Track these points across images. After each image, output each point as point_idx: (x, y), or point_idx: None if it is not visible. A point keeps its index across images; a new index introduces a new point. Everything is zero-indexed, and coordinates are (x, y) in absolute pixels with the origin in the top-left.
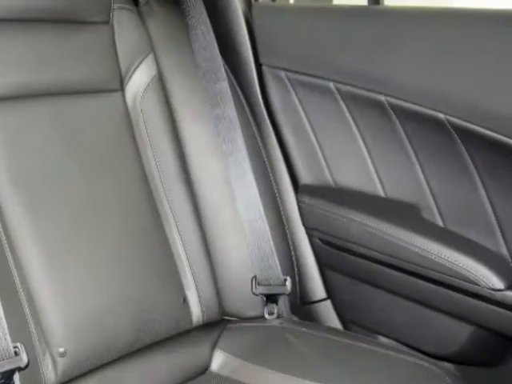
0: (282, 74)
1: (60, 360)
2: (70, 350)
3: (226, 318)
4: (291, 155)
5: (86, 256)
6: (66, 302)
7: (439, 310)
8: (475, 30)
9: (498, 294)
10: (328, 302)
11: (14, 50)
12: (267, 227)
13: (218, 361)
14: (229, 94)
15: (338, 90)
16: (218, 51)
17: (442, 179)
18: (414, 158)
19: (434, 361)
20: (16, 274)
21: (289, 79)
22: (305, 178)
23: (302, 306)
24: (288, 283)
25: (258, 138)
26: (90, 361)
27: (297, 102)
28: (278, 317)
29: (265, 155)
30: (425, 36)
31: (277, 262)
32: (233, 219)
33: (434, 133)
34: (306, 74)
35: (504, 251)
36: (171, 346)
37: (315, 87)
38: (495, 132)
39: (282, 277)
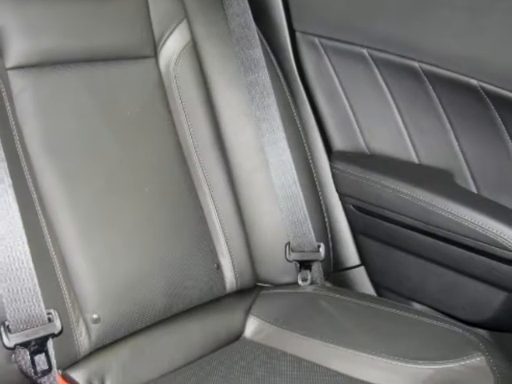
0: (316, 40)
1: (94, 326)
2: (104, 316)
3: (260, 284)
4: (324, 122)
5: (120, 222)
6: (100, 269)
7: (473, 277)
8: None
9: None
10: (361, 269)
11: (47, 16)
12: (301, 193)
13: (252, 327)
14: (262, 60)
15: (371, 56)
16: (251, 17)
17: (476, 145)
18: (447, 125)
19: (467, 327)
20: (50, 240)
21: (322, 45)
22: (338, 144)
23: (335, 272)
24: (321, 249)
25: (292, 105)
26: (123, 327)
27: (330, 68)
28: (312, 283)
29: (298, 121)
30: (459, 1)
31: (310, 228)
32: (266, 185)
33: (467, 99)
34: (339, 41)
35: None
36: (205, 313)
37: (349, 53)
38: None
39: (315, 243)
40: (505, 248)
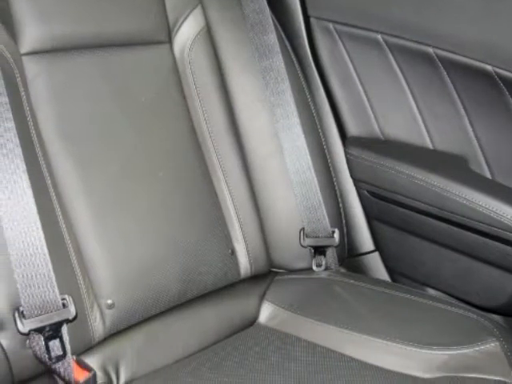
0: (330, 26)
1: (108, 312)
2: (118, 301)
3: (274, 269)
4: (339, 107)
5: (135, 208)
6: (114, 254)
7: (487, 262)
8: None
9: None
10: (376, 254)
11: (61, 2)
12: (315, 179)
13: (266, 313)
14: (277, 45)
15: (386, 41)
16: (265, 3)
17: (490, 131)
18: (462, 110)
19: (482, 313)
20: (64, 226)
21: (337, 31)
22: (353, 130)
23: (349, 258)
24: (336, 235)
25: (306, 90)
26: (137, 313)
27: (345, 54)
28: (326, 269)
29: (313, 107)
30: None
31: (325, 213)
32: (281, 171)
33: (482, 85)
34: (354, 26)
35: None
36: (219, 299)
37: (363, 39)
38: None
39: (329, 229)
40: None
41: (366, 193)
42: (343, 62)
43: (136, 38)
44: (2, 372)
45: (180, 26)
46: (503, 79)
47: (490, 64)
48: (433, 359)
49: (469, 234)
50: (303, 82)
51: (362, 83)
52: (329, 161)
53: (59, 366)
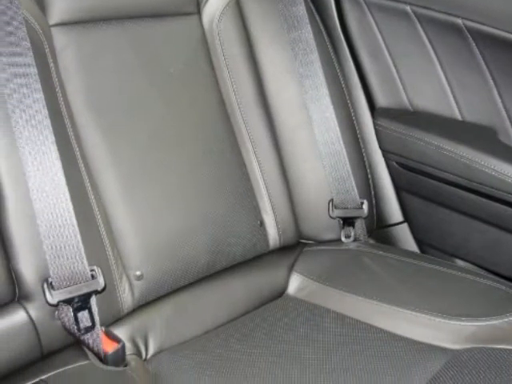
0: None
1: (137, 283)
2: (147, 273)
3: (303, 241)
4: (368, 78)
5: (163, 179)
6: (143, 226)
7: None
8: None
9: None
10: (405, 225)
11: None
12: (344, 150)
13: (295, 284)
14: (306, 17)
15: (414, 13)
16: None
17: None
18: (490, 81)
19: (511, 284)
20: (93, 197)
21: (366, 2)
22: (381, 101)
23: (378, 229)
24: (365, 206)
25: (335, 62)
26: (166, 284)
27: (374, 25)
28: (355, 240)
29: (341, 78)
30: None
31: (353, 184)
32: (309, 142)
33: (510, 55)
34: None
35: None
36: (248, 270)
37: (392, 10)
38: None
39: (358, 200)
40: None
41: (394, 164)
42: (372, 34)
43: (165, 9)
44: (31, 343)
45: None
46: None
47: None
48: (461, 330)
49: (497, 205)
50: (332, 54)
51: (390, 54)
52: (357, 132)
53: (88, 337)
